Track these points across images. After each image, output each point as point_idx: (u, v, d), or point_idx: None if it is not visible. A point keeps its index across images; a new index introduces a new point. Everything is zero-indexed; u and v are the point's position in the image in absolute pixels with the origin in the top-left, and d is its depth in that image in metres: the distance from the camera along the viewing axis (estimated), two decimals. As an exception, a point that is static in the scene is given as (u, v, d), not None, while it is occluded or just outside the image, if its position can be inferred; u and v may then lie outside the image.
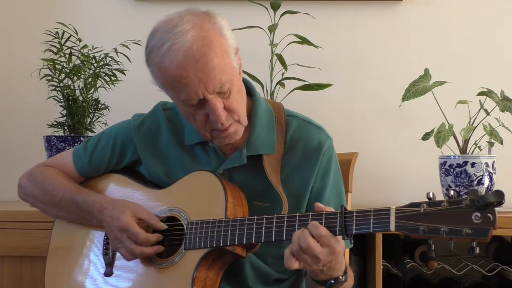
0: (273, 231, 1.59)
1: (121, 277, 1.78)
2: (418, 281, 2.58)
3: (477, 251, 1.41)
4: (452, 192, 1.43)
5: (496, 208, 2.54)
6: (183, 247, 1.69)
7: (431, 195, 1.45)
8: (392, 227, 1.45)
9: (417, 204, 1.45)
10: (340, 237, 1.52)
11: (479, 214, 1.38)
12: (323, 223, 1.52)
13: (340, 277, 1.60)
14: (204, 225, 1.66)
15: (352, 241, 1.79)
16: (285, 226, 1.57)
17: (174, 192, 1.77)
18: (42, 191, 1.89)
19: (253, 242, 1.61)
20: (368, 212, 1.49)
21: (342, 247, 1.54)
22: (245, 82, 1.79)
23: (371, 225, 1.47)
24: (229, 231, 1.62)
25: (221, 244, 1.63)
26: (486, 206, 1.38)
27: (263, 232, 1.59)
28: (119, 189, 1.87)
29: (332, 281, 1.59)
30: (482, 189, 2.44)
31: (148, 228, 1.74)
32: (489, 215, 1.38)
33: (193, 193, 1.74)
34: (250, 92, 1.80)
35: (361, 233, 1.52)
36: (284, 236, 1.57)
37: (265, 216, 1.61)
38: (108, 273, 1.79)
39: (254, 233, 1.60)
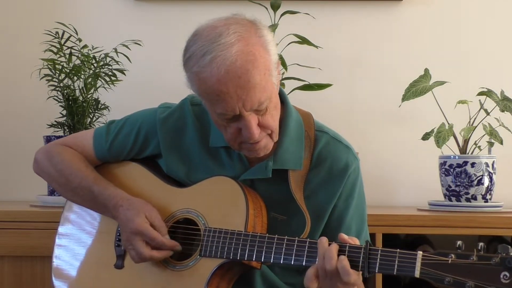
0: (293, 255, 1.57)
1: (132, 271, 1.75)
2: (418, 281, 2.57)
3: None
4: (480, 245, 1.40)
5: (496, 208, 2.54)
6: (199, 253, 1.68)
7: (460, 244, 1.41)
8: (417, 273, 1.43)
9: (445, 254, 1.42)
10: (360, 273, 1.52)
11: (508, 274, 1.35)
12: (346, 255, 1.50)
13: None
14: (223, 234, 1.65)
15: None
16: (306, 252, 1.56)
17: (194, 193, 1.75)
18: (59, 172, 1.86)
19: (271, 262, 1.60)
20: (394, 253, 1.47)
21: (360, 280, 1.54)
22: (279, 90, 1.74)
23: (396, 267, 1.46)
24: (248, 245, 1.61)
25: (238, 258, 1.62)
26: None
27: (283, 254, 1.58)
28: (137, 181, 1.84)
29: None
30: (482, 189, 2.44)
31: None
32: None
33: (214, 199, 1.71)
34: (282, 100, 1.75)
35: (385, 273, 1.50)
36: (304, 262, 1.56)
37: (286, 238, 1.59)
38: (119, 266, 1.78)
39: (273, 253, 1.59)
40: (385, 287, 2.38)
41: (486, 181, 2.44)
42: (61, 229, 1.90)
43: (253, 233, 1.62)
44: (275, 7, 2.58)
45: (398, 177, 2.84)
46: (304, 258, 1.56)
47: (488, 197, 2.46)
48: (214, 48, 1.55)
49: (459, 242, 1.41)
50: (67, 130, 2.54)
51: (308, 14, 2.66)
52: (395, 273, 1.46)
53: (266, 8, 2.59)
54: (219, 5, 2.78)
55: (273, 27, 2.56)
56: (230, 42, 1.55)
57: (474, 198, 2.44)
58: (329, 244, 1.53)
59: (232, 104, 1.56)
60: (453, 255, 1.40)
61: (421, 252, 1.44)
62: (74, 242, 1.87)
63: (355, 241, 1.56)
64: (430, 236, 2.49)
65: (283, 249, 1.58)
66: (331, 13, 2.84)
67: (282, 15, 2.60)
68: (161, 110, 1.84)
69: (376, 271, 1.48)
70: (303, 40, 2.58)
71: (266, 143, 1.66)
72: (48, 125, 2.57)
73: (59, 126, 2.55)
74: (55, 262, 1.88)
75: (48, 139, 2.50)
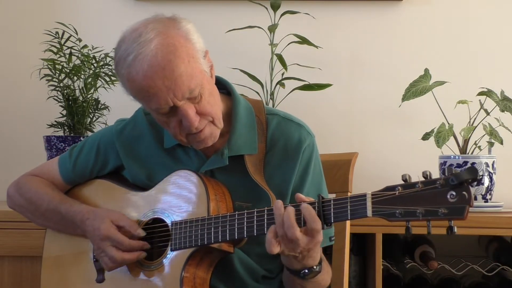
0: (255, 225, 1.59)
1: (113, 282, 1.78)
2: (418, 281, 2.58)
3: (455, 230, 1.38)
4: (428, 172, 1.40)
5: (496, 208, 2.55)
6: (170, 248, 1.70)
7: (406, 177, 1.42)
8: (369, 213, 1.43)
9: (392, 188, 1.43)
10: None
11: (454, 193, 1.36)
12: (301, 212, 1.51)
13: (315, 267, 1.60)
14: (188, 224, 1.67)
15: (333, 239, 1.80)
16: (265, 219, 1.58)
17: (157, 193, 1.78)
18: (28, 201, 1.91)
19: (236, 238, 1.62)
20: (345, 199, 1.48)
21: (321, 237, 1.54)
22: (223, 81, 1.79)
23: (349, 212, 1.46)
24: (212, 228, 1.63)
25: (206, 243, 1.64)
26: (461, 184, 1.35)
27: (245, 227, 1.60)
28: (102, 194, 1.88)
29: (306, 271, 1.60)
30: (482, 189, 2.44)
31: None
32: (464, 193, 1.35)
33: (176, 193, 1.74)
34: (229, 90, 1.80)
35: (341, 221, 1.51)
36: (265, 230, 1.57)
37: (245, 211, 1.61)
38: (99, 280, 1.80)
39: (236, 229, 1.61)
40: (385, 287, 2.39)
41: (486, 181, 2.44)
42: (44, 255, 1.95)
43: (216, 215, 1.64)
44: (275, 7, 2.59)
45: (398, 177, 2.82)
46: (265, 226, 1.57)
47: (488, 197, 2.46)
48: (135, 47, 1.60)
49: (406, 175, 1.42)
50: (67, 130, 2.54)
51: (308, 14, 2.66)
52: (349, 218, 1.47)
53: (266, 8, 2.60)
54: (219, 5, 2.78)
55: (273, 27, 2.57)
56: (149, 38, 1.60)
57: (474, 198, 2.44)
58: (285, 208, 1.53)
59: (163, 96, 1.60)
60: (400, 188, 1.41)
61: (370, 192, 1.44)
62: (57, 268, 1.91)
63: (311, 199, 1.57)
64: (430, 236, 2.49)
65: (245, 222, 1.60)
66: (331, 13, 2.84)
67: (282, 15, 2.61)
68: (117, 123, 1.91)
69: (332, 221, 1.49)
70: (303, 40, 2.58)
71: (211, 131, 1.68)
72: (48, 125, 2.57)
73: (59, 126, 2.55)
74: None
75: (48, 139, 2.50)
